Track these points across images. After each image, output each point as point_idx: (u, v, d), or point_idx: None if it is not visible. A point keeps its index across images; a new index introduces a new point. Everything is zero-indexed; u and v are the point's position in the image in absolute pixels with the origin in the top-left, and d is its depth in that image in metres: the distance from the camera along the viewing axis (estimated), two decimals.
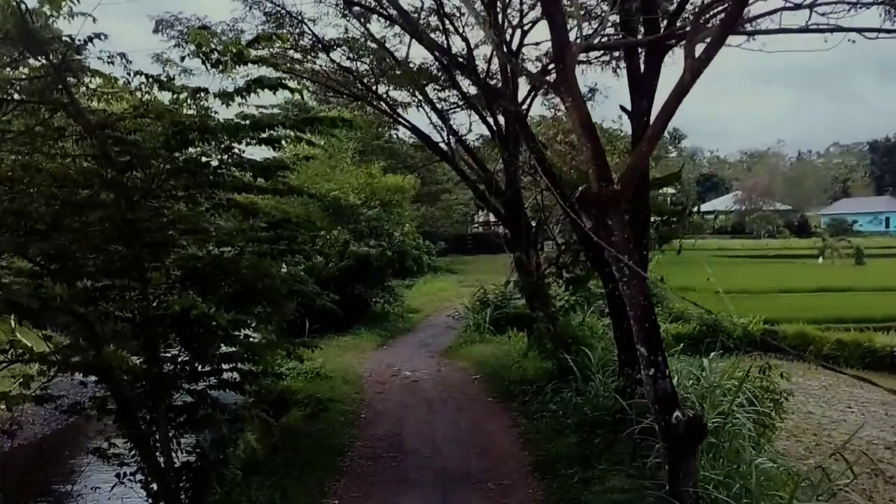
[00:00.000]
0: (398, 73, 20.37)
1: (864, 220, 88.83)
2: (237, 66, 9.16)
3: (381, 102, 22.17)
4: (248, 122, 8.89)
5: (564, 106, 6.62)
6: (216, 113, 9.31)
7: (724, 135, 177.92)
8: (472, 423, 13.32)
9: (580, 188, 6.21)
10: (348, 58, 20.74)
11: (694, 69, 5.60)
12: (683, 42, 11.53)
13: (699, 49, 5.85)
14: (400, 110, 22.68)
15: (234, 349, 9.11)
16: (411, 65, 20.55)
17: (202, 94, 8.96)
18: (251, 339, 9.54)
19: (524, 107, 17.61)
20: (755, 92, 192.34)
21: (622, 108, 9.50)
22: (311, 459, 10.89)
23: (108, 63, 9.13)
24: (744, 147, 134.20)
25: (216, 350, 8.97)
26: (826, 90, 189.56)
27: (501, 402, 14.83)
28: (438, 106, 21.42)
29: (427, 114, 21.24)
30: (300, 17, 19.23)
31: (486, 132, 22.47)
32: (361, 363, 20.04)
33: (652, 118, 9.22)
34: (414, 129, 21.48)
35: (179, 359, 9.08)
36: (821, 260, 50.95)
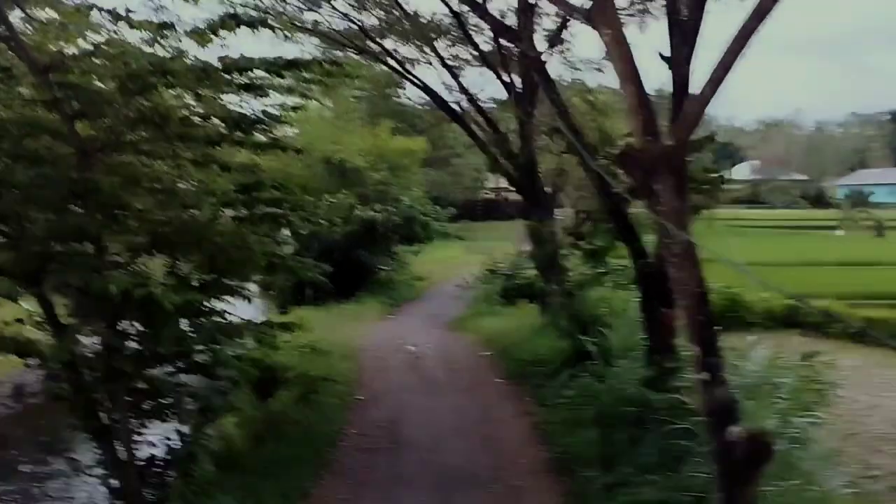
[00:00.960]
0: (407, 25, 19.14)
1: (881, 191, 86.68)
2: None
3: (390, 58, 21.00)
4: (219, 64, 7.57)
5: (602, 40, 5.28)
6: (194, 58, 8.04)
7: (740, 104, 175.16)
8: (480, 410, 12.11)
9: (623, 144, 4.86)
10: (353, 6, 19.44)
11: None
12: None
13: None
14: (409, 67, 21.54)
15: (191, 331, 7.87)
16: (421, 19, 19.32)
17: (169, 32, 7.65)
18: (224, 319, 8.28)
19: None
20: (772, 61, 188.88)
21: (661, 55, 8.06)
22: (296, 452, 9.63)
23: None
24: (760, 116, 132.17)
25: (173, 332, 7.69)
26: (843, 60, 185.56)
27: (512, 384, 13.61)
28: (450, 63, 20.25)
29: (438, 73, 20.18)
30: None
31: (500, 94, 21.28)
32: (363, 335, 18.95)
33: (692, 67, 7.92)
34: (424, 88, 20.31)
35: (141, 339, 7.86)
36: (840, 231, 49.45)
